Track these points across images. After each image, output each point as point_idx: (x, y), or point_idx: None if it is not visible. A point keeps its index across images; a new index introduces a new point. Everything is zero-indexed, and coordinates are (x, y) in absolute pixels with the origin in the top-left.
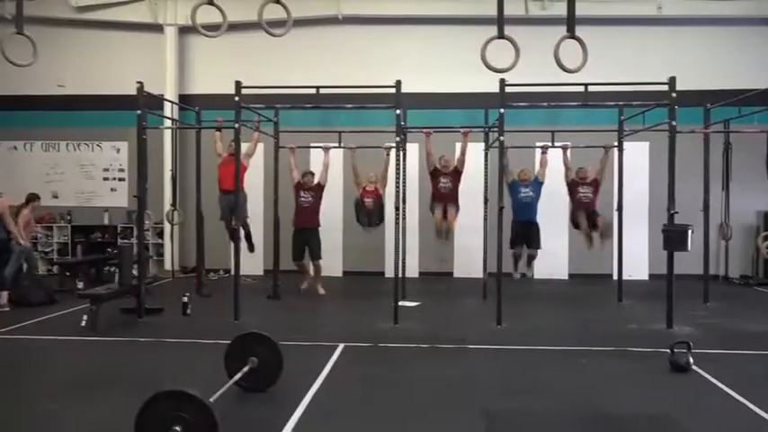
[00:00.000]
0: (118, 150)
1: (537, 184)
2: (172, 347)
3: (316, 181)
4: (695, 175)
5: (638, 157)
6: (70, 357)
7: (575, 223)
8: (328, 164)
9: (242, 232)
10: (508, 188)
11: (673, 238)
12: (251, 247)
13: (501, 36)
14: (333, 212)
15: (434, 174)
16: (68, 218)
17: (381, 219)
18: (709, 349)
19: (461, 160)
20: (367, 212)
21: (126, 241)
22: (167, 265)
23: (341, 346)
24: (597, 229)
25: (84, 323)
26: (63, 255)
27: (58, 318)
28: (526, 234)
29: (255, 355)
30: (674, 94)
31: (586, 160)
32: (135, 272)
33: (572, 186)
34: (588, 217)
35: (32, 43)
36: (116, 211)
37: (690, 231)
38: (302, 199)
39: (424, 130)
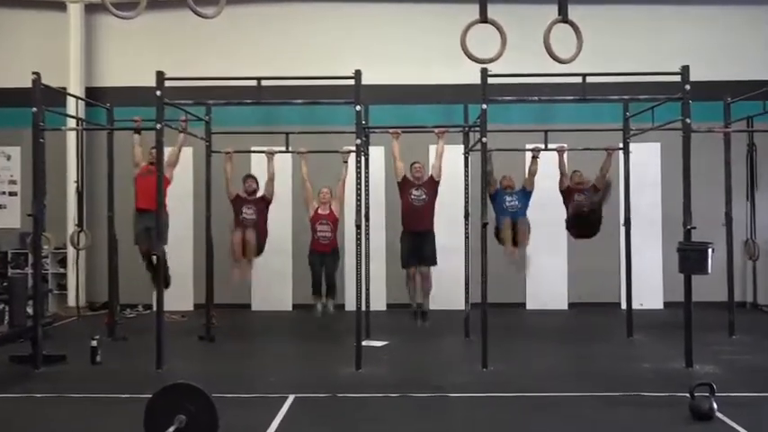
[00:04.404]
0: (8, 157)
1: (524, 194)
2: (77, 404)
3: (260, 193)
4: (715, 183)
5: (647, 160)
6: None
7: (573, 233)
8: (274, 173)
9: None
10: (491, 200)
11: (690, 258)
12: (166, 282)
13: (483, 20)
14: (280, 232)
15: (404, 184)
16: None
17: (337, 260)
18: (735, 392)
19: (438, 167)
20: (320, 253)
21: (18, 271)
22: (71, 301)
23: (291, 398)
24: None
25: None
26: None
27: None
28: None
29: (184, 412)
30: (687, 87)
31: (586, 165)
32: (29, 310)
33: (567, 194)
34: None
35: None
36: (6, 233)
37: (710, 250)
38: (244, 216)
39: (391, 131)
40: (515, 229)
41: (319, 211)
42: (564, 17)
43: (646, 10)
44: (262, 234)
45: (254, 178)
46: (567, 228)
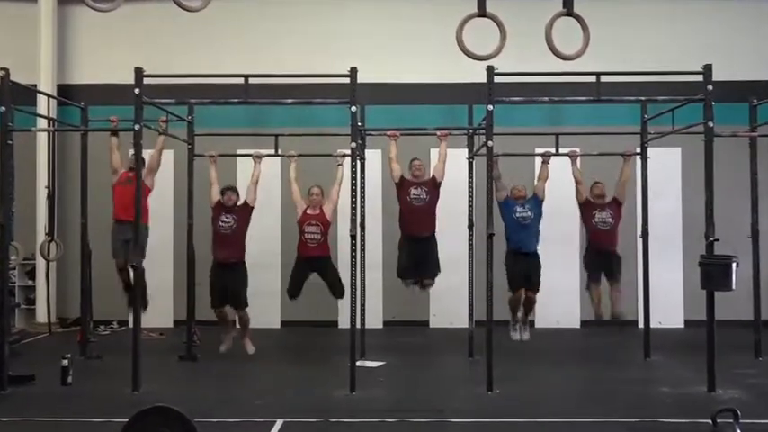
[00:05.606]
0: None
1: (536, 202)
2: (46, 429)
3: (242, 200)
4: (740, 191)
5: (667, 166)
6: None
7: (587, 266)
8: (258, 177)
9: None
10: (499, 208)
11: (712, 273)
12: (144, 303)
13: (482, 14)
14: (268, 242)
15: (402, 184)
16: None
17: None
18: (762, 419)
19: (440, 169)
20: (307, 259)
21: None
22: (40, 317)
23: (279, 423)
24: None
25: None
26: None
27: None
28: (526, 271)
29: None
30: (710, 87)
31: (601, 171)
32: None
33: (586, 209)
34: (608, 270)
35: None
36: None
37: (734, 264)
38: (221, 224)
39: (389, 133)
40: (528, 273)
41: (308, 212)
42: (569, 10)
43: (665, 3)
44: (239, 244)
45: (235, 190)
46: (584, 262)
